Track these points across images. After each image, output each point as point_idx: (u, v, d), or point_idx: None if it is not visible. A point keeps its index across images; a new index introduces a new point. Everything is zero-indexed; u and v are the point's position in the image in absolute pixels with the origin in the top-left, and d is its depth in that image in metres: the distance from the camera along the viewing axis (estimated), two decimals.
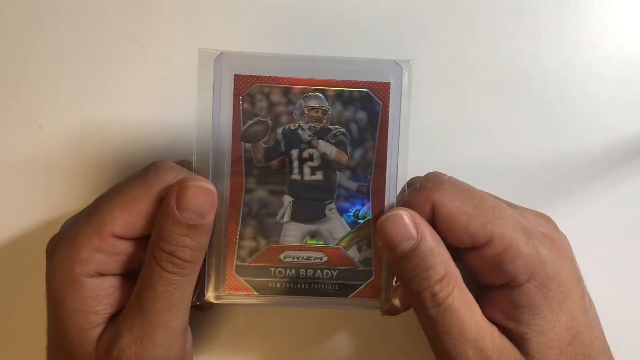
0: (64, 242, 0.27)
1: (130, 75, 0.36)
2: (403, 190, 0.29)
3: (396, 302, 0.29)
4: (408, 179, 0.29)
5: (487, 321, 0.27)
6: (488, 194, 0.28)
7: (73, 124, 0.35)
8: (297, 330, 0.35)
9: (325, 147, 0.29)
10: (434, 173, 0.29)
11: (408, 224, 0.27)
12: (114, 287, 0.28)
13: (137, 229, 0.27)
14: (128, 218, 0.27)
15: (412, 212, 0.27)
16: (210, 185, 0.27)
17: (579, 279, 0.28)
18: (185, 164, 0.29)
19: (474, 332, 0.26)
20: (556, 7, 0.36)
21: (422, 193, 0.28)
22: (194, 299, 0.28)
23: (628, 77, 0.36)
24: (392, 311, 0.30)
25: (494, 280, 0.28)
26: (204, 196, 0.27)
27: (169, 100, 0.35)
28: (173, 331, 0.27)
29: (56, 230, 0.29)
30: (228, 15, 0.36)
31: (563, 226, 0.30)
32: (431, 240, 0.27)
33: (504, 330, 0.27)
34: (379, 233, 0.28)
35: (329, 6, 0.36)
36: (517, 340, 0.27)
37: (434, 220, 0.28)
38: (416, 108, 0.35)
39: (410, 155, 0.33)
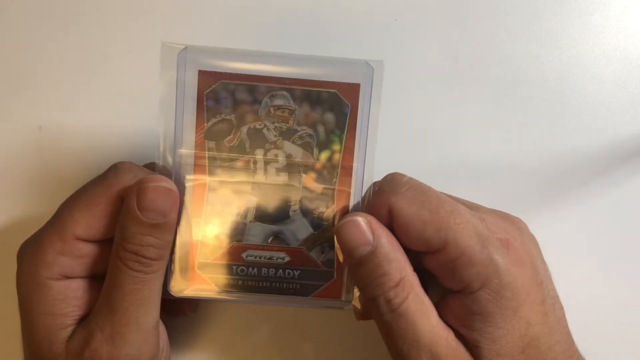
0: (30, 246, 0.28)
1: (129, 74, 0.35)
2: (367, 193, 0.28)
3: (355, 303, 0.29)
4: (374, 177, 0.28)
5: (443, 325, 0.27)
6: (447, 197, 0.28)
7: (73, 124, 0.35)
8: (283, 332, 0.36)
9: (291, 148, 0.28)
10: (392, 175, 0.28)
11: (364, 229, 0.27)
12: (83, 290, 0.28)
13: (99, 231, 0.27)
14: (89, 220, 0.27)
15: (369, 217, 0.27)
16: (169, 184, 0.27)
17: (539, 284, 0.28)
18: (152, 166, 0.28)
19: (428, 337, 0.26)
20: (556, 7, 0.36)
21: (379, 197, 0.27)
22: None
23: (628, 77, 0.36)
24: (367, 316, 0.30)
25: (451, 285, 0.28)
26: (164, 195, 0.27)
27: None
28: (144, 328, 0.27)
29: None
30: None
31: (562, 227, 0.30)
32: (387, 246, 0.27)
33: (458, 335, 0.27)
34: (336, 238, 0.27)
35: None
36: (470, 346, 0.27)
37: (392, 224, 0.27)
38: (416, 107, 0.35)
39: (408, 154, 0.33)
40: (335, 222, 0.28)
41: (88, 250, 0.28)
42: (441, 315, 0.27)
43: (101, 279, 0.28)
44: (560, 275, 0.29)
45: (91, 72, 0.35)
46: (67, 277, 0.27)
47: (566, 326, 0.29)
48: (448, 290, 0.28)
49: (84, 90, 0.35)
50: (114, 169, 0.28)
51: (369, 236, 0.27)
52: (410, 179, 0.28)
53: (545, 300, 0.28)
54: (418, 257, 0.28)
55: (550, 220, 0.30)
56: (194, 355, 0.35)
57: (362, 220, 0.27)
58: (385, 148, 0.28)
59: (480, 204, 0.30)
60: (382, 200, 0.27)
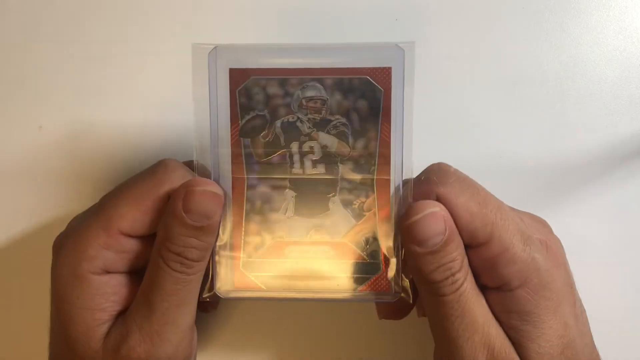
0: (71, 238, 0.28)
1: (130, 74, 0.36)
2: (409, 182, 0.28)
3: (405, 295, 0.28)
4: (414, 169, 0.28)
5: (491, 313, 0.27)
6: (491, 193, 0.27)
7: (73, 124, 0.36)
8: (302, 328, 0.36)
9: (326, 139, 0.28)
10: (439, 164, 0.28)
11: (440, 219, 0.26)
12: (121, 285, 0.28)
13: (144, 227, 0.27)
14: (135, 215, 0.27)
15: (441, 205, 0.26)
16: (217, 189, 0.27)
17: (571, 286, 0.28)
18: (191, 164, 0.29)
19: (482, 319, 0.26)
20: (556, 7, 0.35)
21: (427, 186, 0.27)
22: (203, 295, 0.29)
23: (628, 77, 0.35)
24: (390, 315, 0.30)
25: (487, 281, 0.27)
26: (210, 199, 0.27)
27: (171, 98, 0.35)
28: (181, 328, 0.27)
29: (56, 229, 0.30)
30: (223, 9, 0.36)
31: (563, 227, 0.30)
32: (456, 233, 0.26)
33: None
34: (407, 231, 0.26)
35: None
36: None
37: None
38: (415, 106, 0.35)
39: (414, 152, 0.33)
40: (377, 212, 0.28)
41: (130, 245, 0.28)
42: None
43: (138, 274, 0.28)
44: None
45: (91, 71, 0.36)
46: (108, 272, 0.28)
47: (590, 329, 0.28)
48: (483, 287, 0.27)
49: (84, 90, 0.36)
50: (163, 166, 0.28)
51: (443, 225, 0.26)
52: (457, 170, 0.28)
53: (575, 303, 0.28)
54: None
55: (550, 220, 0.30)
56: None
57: (439, 211, 0.26)
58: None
59: None
60: (430, 189, 0.27)
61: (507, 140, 0.35)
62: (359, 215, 0.28)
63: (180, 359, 0.28)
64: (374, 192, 0.28)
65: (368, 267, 0.28)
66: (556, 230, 0.30)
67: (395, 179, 0.28)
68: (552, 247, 0.28)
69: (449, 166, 0.28)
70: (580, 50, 0.35)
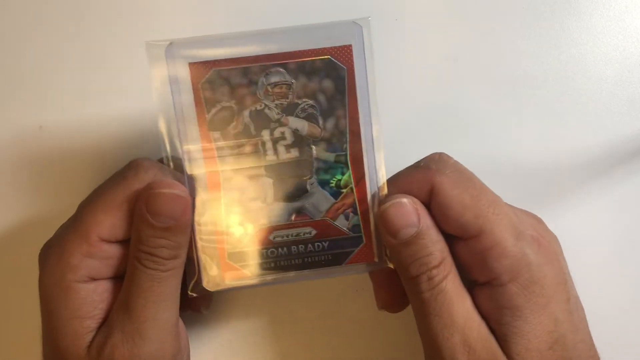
0: (53, 249, 0.27)
1: (128, 72, 0.35)
2: (404, 171, 0.29)
3: (390, 264, 0.29)
4: (384, 141, 0.28)
5: (476, 312, 0.27)
6: (487, 187, 0.28)
7: (73, 124, 0.35)
8: (305, 322, 0.36)
9: (296, 122, 0.28)
10: (440, 154, 0.28)
11: (410, 210, 0.27)
12: (109, 291, 0.28)
13: (122, 231, 0.27)
14: (112, 221, 0.27)
15: (413, 198, 0.27)
16: (178, 190, 0.27)
17: (564, 282, 0.28)
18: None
19: (462, 319, 0.27)
20: (556, 7, 0.36)
21: (424, 173, 0.27)
22: (191, 290, 0.29)
23: (628, 77, 0.36)
24: (389, 307, 0.30)
25: (478, 276, 0.27)
26: (173, 201, 0.26)
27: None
28: (162, 324, 0.27)
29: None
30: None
31: (562, 226, 0.30)
32: (432, 227, 0.27)
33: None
34: (379, 220, 0.27)
35: None
36: (498, 340, 0.27)
37: (430, 203, 0.27)
38: (415, 107, 0.36)
39: (406, 154, 0.33)
40: (353, 187, 0.28)
41: (113, 251, 0.28)
42: None
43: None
44: None
45: (91, 71, 0.35)
46: (94, 279, 0.27)
47: (587, 326, 0.29)
48: (471, 283, 0.28)
49: (84, 90, 0.35)
50: (134, 168, 0.27)
51: (415, 217, 0.27)
52: (457, 162, 0.28)
53: (569, 299, 0.28)
54: (449, 244, 0.28)
55: (549, 220, 0.31)
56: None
57: (407, 202, 0.27)
58: (384, 148, 0.28)
59: None
60: (427, 177, 0.27)
61: (507, 139, 0.36)
62: (337, 192, 0.29)
63: (167, 357, 0.28)
64: (348, 168, 0.28)
65: (351, 241, 0.29)
66: (555, 230, 0.30)
67: (367, 154, 0.28)
68: (545, 243, 0.28)
69: (450, 157, 0.28)
70: (580, 50, 0.36)
